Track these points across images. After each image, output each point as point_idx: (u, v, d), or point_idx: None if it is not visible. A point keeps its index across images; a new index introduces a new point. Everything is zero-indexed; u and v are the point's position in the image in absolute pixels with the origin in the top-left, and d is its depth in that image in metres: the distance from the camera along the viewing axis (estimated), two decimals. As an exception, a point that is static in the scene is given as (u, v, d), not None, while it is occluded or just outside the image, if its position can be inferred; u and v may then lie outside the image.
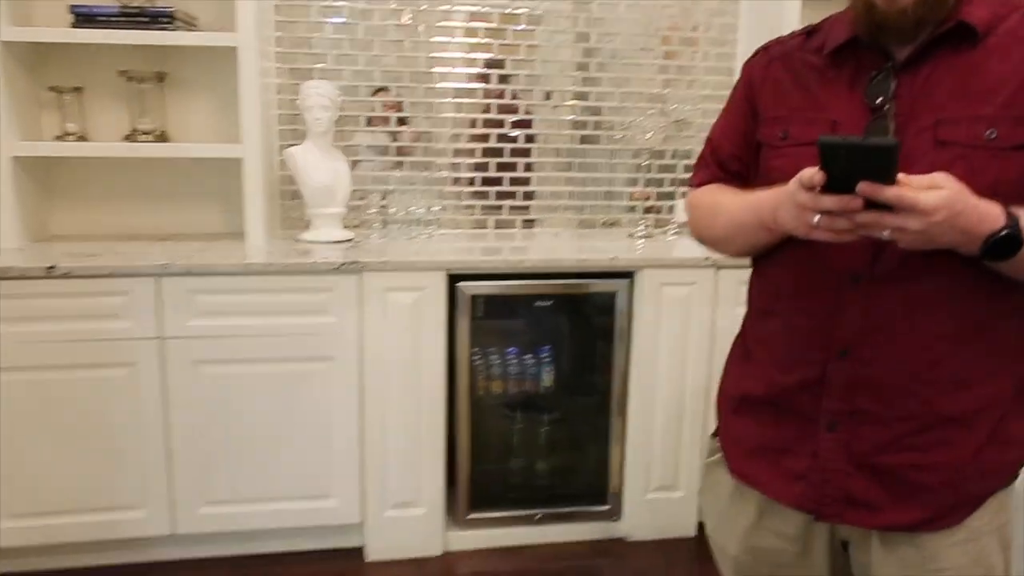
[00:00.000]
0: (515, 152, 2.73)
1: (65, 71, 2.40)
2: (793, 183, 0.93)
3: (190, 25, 2.36)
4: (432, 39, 2.59)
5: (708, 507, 1.22)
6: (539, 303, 2.24)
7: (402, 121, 2.64)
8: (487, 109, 2.67)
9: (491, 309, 2.26)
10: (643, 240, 2.60)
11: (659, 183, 2.80)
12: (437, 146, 2.66)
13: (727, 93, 2.75)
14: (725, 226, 1.13)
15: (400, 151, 2.65)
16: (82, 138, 2.38)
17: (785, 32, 2.44)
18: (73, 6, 2.21)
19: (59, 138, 2.36)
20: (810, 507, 1.05)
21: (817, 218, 0.90)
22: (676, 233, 2.72)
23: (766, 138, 1.11)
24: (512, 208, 2.75)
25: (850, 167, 0.86)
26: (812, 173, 0.89)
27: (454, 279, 2.17)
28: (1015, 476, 1.04)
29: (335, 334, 2.12)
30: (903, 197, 0.84)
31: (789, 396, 1.06)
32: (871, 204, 0.87)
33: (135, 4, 2.27)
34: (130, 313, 2.03)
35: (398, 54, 2.59)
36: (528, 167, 2.74)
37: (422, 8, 2.57)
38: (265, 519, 2.19)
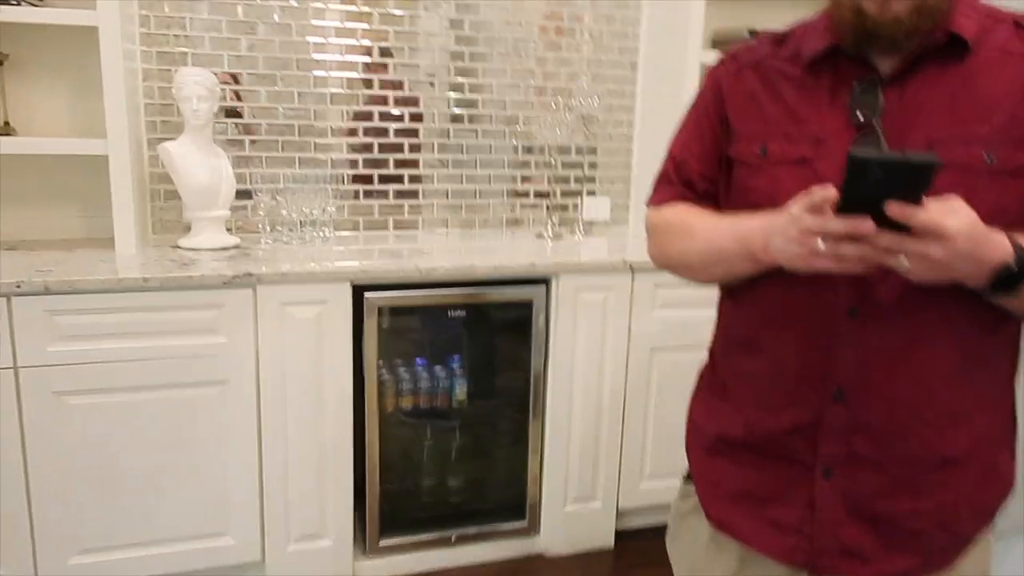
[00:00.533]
0: (412, 148, 2.55)
1: None
2: (797, 207, 0.84)
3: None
4: (312, 21, 2.36)
5: (680, 555, 1.14)
6: (451, 312, 2.10)
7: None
8: (378, 101, 2.48)
9: (400, 320, 2.09)
10: (552, 240, 2.51)
11: (564, 180, 2.70)
12: (323, 141, 2.44)
13: (631, 89, 2.72)
14: (700, 253, 1.03)
15: (252, 143, 2.40)
16: (-98, 130, 2.01)
17: (692, 25, 2.42)
18: None
19: None
20: (803, 560, 0.98)
21: (821, 244, 0.82)
22: (584, 234, 2.64)
23: (741, 155, 1.02)
24: (412, 208, 2.58)
25: (879, 186, 0.77)
26: (825, 192, 0.80)
27: (359, 289, 1.99)
28: (997, 512, 1.01)
29: (227, 355, 1.89)
30: (933, 221, 0.77)
31: (778, 440, 0.98)
32: (883, 227, 0.79)
33: (-34, -28, 1.92)
34: (-25, 341, 1.72)
35: (282, 39, 2.35)
36: (418, 163, 2.58)
37: (310, -11, 2.34)
38: (149, 565, 1.93)
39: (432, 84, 2.53)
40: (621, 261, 2.17)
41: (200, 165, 2.12)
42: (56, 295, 1.75)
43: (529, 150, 2.68)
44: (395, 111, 2.49)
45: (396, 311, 2.06)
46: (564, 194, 2.73)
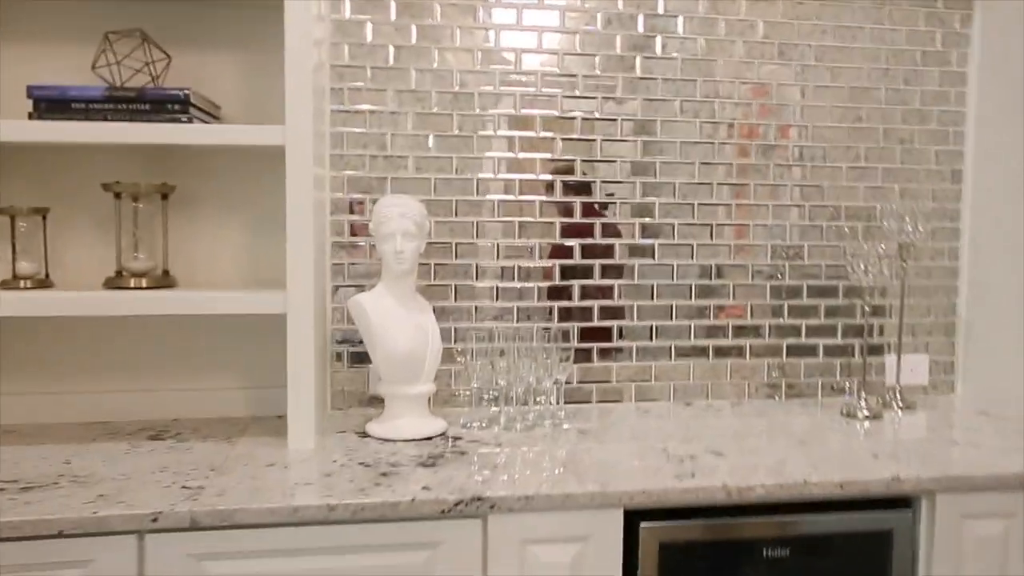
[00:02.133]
0: (663, 292, 1.92)
1: (22, 184, 1.62)
2: None
3: (211, 115, 1.59)
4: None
5: None
6: (768, 551, 1.37)
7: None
8: (577, 231, 1.88)
9: (688, 560, 1.37)
10: (867, 421, 1.76)
11: (866, 331, 1.96)
12: (526, 286, 1.85)
13: (954, 208, 1.99)
14: None
15: (458, 291, 1.84)
16: (43, 284, 1.58)
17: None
18: (33, 87, 1.45)
19: (7, 284, 1.55)
20: None
21: None
22: (903, 407, 1.87)
23: None
24: (659, 371, 1.92)
25: None
26: None
27: (630, 515, 1.31)
28: None
29: (440, 621, 1.25)
30: None
31: None
32: None
33: (131, 84, 1.50)
34: (90, 598, 1.16)
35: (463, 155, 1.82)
36: (670, 312, 1.93)
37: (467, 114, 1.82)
38: None
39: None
40: (1031, 472, 1.39)
41: (401, 325, 1.56)
42: (206, 531, 1.18)
43: (820, 292, 1.97)
44: (641, 243, 1.89)
45: (684, 548, 1.35)
46: (870, 350, 1.98)
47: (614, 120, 1.86)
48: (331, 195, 1.75)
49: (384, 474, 1.33)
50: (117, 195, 1.58)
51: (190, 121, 1.46)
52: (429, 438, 1.56)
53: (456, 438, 1.57)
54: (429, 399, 1.64)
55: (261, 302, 1.47)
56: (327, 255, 1.74)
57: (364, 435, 1.58)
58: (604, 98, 1.85)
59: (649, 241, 1.89)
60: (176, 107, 1.45)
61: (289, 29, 1.43)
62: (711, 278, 1.93)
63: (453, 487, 1.26)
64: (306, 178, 1.45)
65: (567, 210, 1.85)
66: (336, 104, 1.74)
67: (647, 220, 1.88)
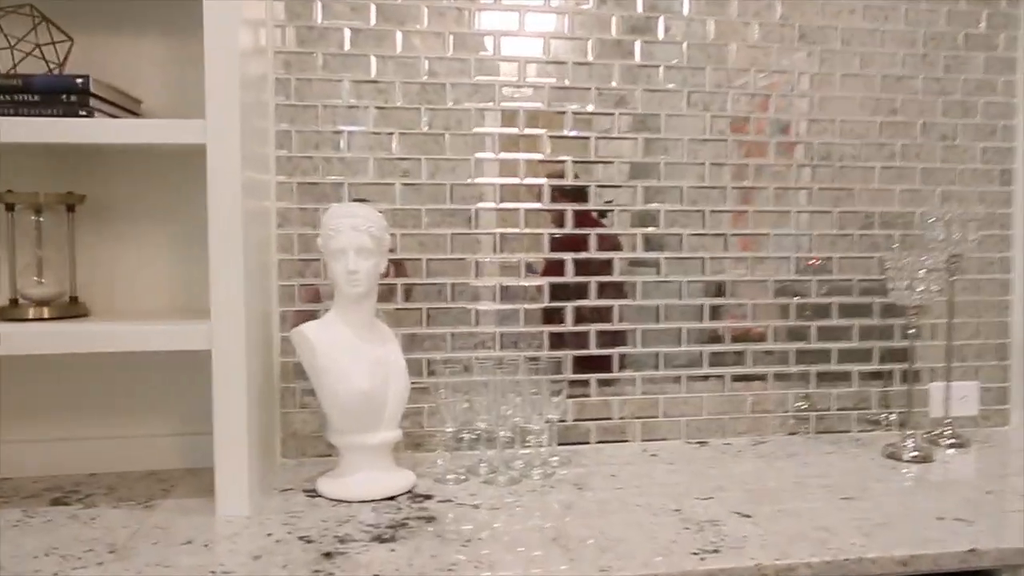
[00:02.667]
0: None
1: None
2: None
3: (125, 109, 1.32)
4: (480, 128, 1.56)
5: None
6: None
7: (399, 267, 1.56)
8: (573, 243, 1.61)
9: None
10: (915, 464, 1.48)
11: (911, 355, 1.68)
12: (493, 307, 1.58)
13: (1005, 213, 1.69)
14: None
15: (430, 317, 1.57)
16: (-80, 315, 1.31)
17: None
18: None
19: None
20: None
21: None
22: (954, 445, 1.60)
23: None
24: (670, 404, 1.64)
25: None
26: None
27: (638, 599, 1.04)
28: None
29: None
30: None
31: None
32: None
33: (20, 71, 1.23)
34: None
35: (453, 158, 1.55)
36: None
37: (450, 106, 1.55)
38: None
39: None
40: None
41: (357, 360, 1.28)
42: (83, 645, 0.90)
43: (852, 311, 1.71)
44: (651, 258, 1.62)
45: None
46: (903, 378, 1.71)
47: (610, 115, 1.59)
48: (277, 204, 1.48)
49: (328, 554, 1.05)
50: (10, 207, 1.30)
51: (90, 115, 1.19)
52: (392, 498, 1.28)
53: (425, 496, 1.29)
54: (397, 445, 1.37)
55: (178, 336, 1.19)
56: (273, 276, 1.47)
57: (314, 493, 1.30)
58: (598, 89, 1.58)
59: (653, 254, 1.62)
60: (73, 98, 1.18)
61: (209, 3, 1.16)
62: (725, 296, 1.66)
63: (413, 574, 0.99)
64: (232, 183, 1.17)
65: (558, 219, 1.58)
66: (281, 97, 1.47)
67: (650, 230, 1.62)
